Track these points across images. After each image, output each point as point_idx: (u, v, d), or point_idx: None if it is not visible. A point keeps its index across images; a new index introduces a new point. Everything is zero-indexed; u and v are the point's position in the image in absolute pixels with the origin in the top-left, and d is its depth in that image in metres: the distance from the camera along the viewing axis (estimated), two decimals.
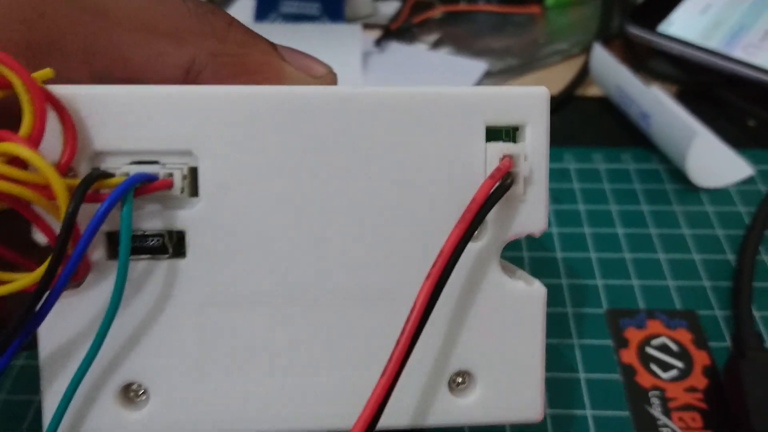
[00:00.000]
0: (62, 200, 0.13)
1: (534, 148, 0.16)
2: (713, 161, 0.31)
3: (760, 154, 0.33)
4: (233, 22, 0.18)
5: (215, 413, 0.16)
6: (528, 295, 0.17)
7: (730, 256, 0.27)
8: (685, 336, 0.24)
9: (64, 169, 0.14)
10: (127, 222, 0.14)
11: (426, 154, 0.16)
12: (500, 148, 0.16)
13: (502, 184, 0.16)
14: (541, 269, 0.27)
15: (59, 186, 0.13)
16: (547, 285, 0.26)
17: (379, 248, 0.16)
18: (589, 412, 0.22)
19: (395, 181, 0.16)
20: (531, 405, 0.17)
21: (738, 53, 0.36)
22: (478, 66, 0.40)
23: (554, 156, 0.33)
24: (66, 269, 0.13)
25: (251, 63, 0.18)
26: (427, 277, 0.15)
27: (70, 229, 0.13)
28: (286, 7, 0.45)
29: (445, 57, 0.42)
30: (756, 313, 0.25)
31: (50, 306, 0.14)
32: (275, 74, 0.18)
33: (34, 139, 0.13)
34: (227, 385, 0.16)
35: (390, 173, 0.16)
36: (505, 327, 0.17)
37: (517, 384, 0.17)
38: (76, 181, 0.14)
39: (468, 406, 0.17)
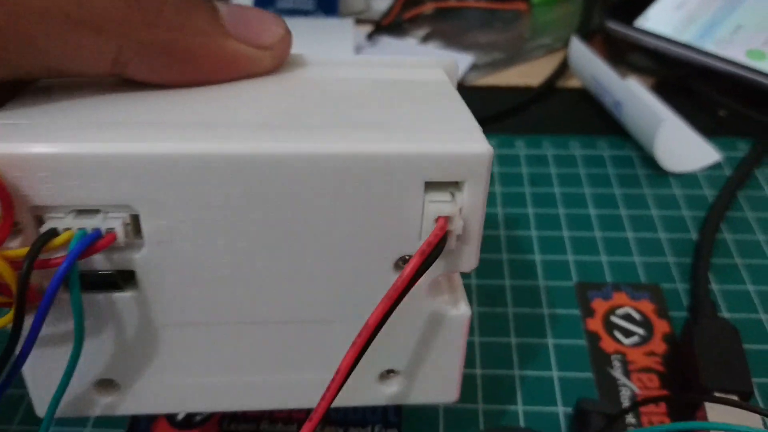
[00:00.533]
0: (8, 276, 0.14)
1: (471, 205, 0.16)
2: (682, 147, 0.33)
3: (729, 142, 0.34)
4: (167, 1, 0.16)
5: (175, 398, 0.19)
6: (452, 319, 0.18)
7: (694, 235, 0.29)
8: (647, 307, 0.26)
9: (3, 240, 0.15)
10: (75, 287, 0.15)
11: (364, 209, 0.16)
12: (437, 208, 0.16)
13: (432, 252, 0.16)
14: (516, 246, 0.29)
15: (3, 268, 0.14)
16: (521, 260, 0.28)
17: (313, 288, 0.17)
18: (555, 374, 0.24)
19: (331, 233, 0.16)
20: (448, 391, 0.20)
21: (710, 47, 0.38)
22: (465, 59, 0.42)
23: (533, 143, 0.35)
24: (32, 331, 0.15)
25: (184, 50, 0.17)
26: (353, 343, 0.16)
27: (23, 297, 0.14)
28: (282, 2, 0.47)
29: (433, 51, 0.44)
30: (714, 286, 0.27)
31: (25, 357, 0.15)
32: (213, 59, 0.17)
33: None
34: (186, 379, 0.18)
35: (327, 226, 0.16)
36: (430, 340, 0.19)
37: (437, 378, 0.19)
38: (18, 252, 0.15)
39: (392, 393, 0.19)
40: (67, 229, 0.15)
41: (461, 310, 0.18)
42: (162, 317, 0.17)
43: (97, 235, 0.15)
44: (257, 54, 0.18)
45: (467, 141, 0.16)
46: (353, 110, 0.17)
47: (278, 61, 0.19)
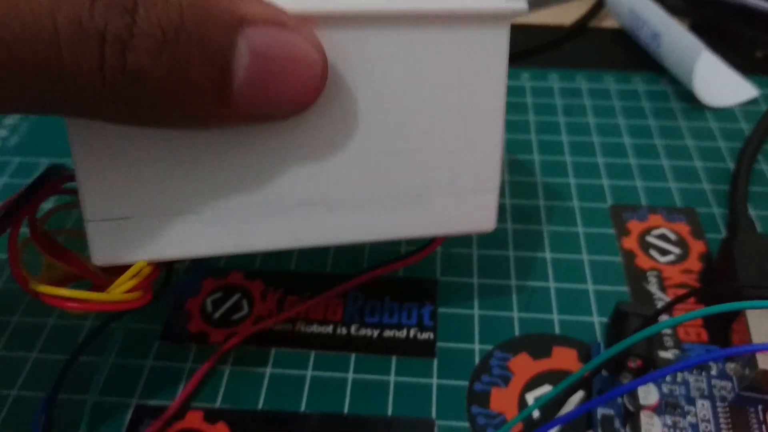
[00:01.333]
0: None
1: None
2: (719, 81, 0.33)
3: (765, 81, 0.34)
4: (158, 79, 0.13)
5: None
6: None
7: (730, 165, 0.29)
8: (683, 228, 0.26)
9: None
10: None
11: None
12: None
13: None
14: (550, 170, 0.29)
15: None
16: (555, 183, 0.28)
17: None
18: (590, 287, 0.24)
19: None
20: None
21: None
22: None
23: (566, 77, 0.35)
24: None
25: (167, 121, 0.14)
26: None
27: None
28: None
29: None
30: (751, 212, 0.27)
31: None
32: (207, 124, 0.15)
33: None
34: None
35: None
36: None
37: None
38: None
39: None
40: None
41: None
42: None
43: None
44: (271, 116, 0.15)
45: None
46: None
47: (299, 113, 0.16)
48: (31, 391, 0.21)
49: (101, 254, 0.18)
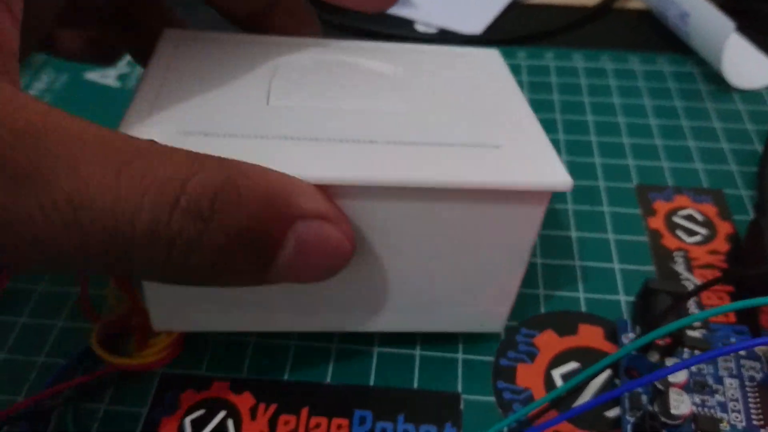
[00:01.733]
0: None
1: None
2: (748, 63, 0.32)
3: None
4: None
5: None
6: None
7: (758, 147, 0.29)
8: (710, 209, 0.26)
9: None
10: None
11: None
12: None
13: None
14: (574, 149, 0.29)
15: None
16: (581, 163, 0.28)
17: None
18: (617, 266, 0.24)
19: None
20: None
21: None
22: None
23: (591, 57, 0.34)
24: None
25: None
26: None
27: None
28: None
29: None
30: None
31: None
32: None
33: None
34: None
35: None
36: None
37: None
38: None
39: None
40: None
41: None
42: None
43: None
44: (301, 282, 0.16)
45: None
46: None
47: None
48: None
49: (160, 324, 0.19)
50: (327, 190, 0.16)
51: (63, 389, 0.20)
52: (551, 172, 0.17)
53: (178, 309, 0.19)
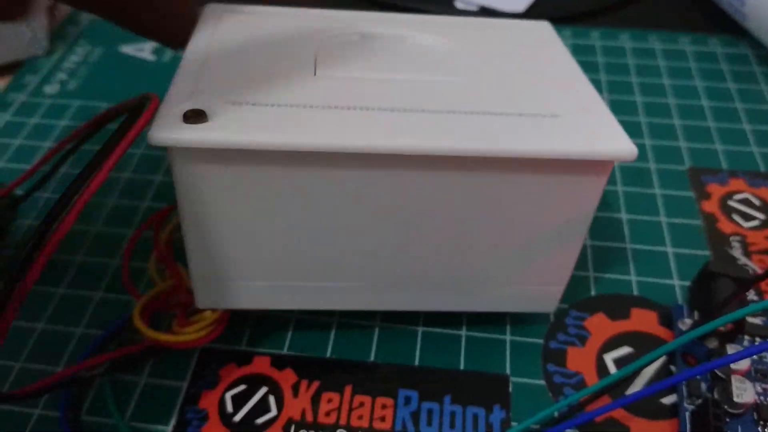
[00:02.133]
0: None
1: None
2: None
3: None
4: None
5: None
6: None
7: None
8: (767, 194, 0.25)
9: None
10: None
11: None
12: None
13: None
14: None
15: None
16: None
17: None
18: (670, 249, 0.23)
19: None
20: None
21: None
22: None
23: (638, 37, 0.33)
24: None
25: None
26: None
27: None
28: None
29: None
30: None
31: None
32: None
33: None
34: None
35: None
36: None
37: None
38: None
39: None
40: None
41: None
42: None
43: None
44: None
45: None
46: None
47: None
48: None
49: (204, 302, 0.19)
50: (380, 160, 0.15)
51: (102, 361, 0.19)
52: (614, 141, 0.16)
53: (223, 286, 0.18)
